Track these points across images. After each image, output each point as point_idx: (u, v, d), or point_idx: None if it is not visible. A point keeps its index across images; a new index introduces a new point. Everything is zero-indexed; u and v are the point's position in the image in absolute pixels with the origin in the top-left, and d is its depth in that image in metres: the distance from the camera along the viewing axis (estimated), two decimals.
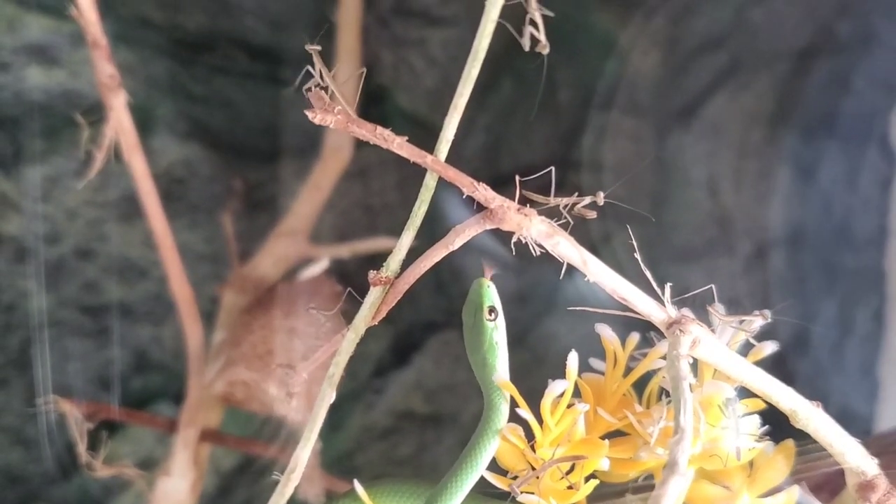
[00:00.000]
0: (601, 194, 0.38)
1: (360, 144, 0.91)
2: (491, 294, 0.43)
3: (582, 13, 0.91)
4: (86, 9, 0.57)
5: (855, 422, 0.41)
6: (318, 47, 0.37)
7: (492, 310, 0.43)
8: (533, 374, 0.42)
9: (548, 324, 0.96)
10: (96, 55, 0.58)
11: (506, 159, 0.92)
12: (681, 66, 0.93)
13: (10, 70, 0.83)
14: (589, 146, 0.92)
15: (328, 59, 0.90)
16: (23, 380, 0.85)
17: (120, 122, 0.58)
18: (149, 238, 0.86)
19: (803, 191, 1.00)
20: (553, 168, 0.38)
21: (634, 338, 0.43)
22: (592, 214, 0.38)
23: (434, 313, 0.89)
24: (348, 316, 0.76)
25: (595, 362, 0.44)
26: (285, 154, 0.90)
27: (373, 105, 0.93)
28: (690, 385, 0.36)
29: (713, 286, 0.40)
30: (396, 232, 0.90)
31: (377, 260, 0.92)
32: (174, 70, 0.87)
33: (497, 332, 0.43)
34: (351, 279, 0.83)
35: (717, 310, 0.42)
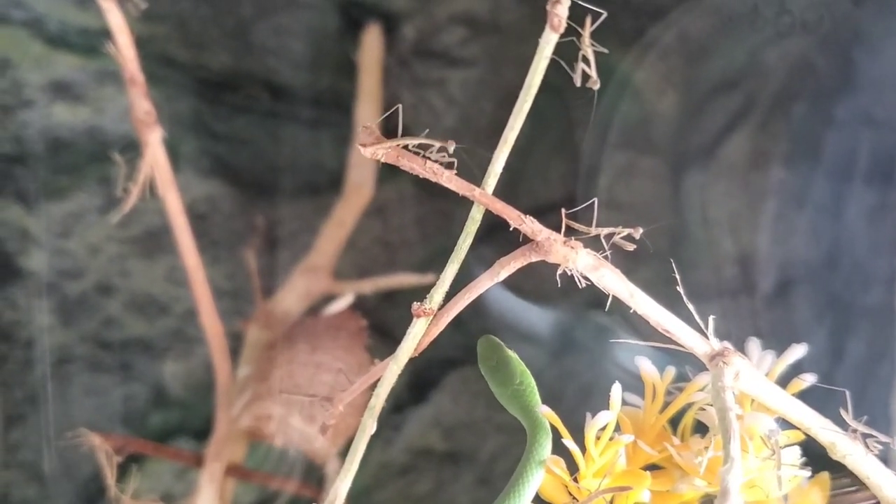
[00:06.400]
0: (640, 228, 0.39)
1: (381, 182, 0.92)
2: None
3: (599, 54, 0.93)
4: (123, 46, 0.58)
5: None
6: None
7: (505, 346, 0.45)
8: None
9: (564, 362, 0.96)
10: (133, 91, 0.59)
11: (524, 197, 0.93)
12: (697, 107, 0.94)
13: (36, 107, 0.84)
14: (606, 185, 0.93)
15: (350, 98, 0.91)
16: (40, 415, 0.84)
17: (155, 157, 0.59)
18: (171, 274, 0.87)
19: (819, 229, 1.00)
20: (596, 200, 0.39)
21: (671, 371, 0.44)
22: (631, 246, 0.38)
23: (452, 350, 0.89)
24: (372, 351, 0.76)
25: (630, 397, 0.45)
26: (306, 191, 0.90)
27: None
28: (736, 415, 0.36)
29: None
30: (415, 268, 0.90)
31: (396, 296, 0.92)
32: (198, 108, 0.88)
33: (519, 360, 0.44)
34: (370, 315, 0.83)
35: (754, 346, 0.44)
